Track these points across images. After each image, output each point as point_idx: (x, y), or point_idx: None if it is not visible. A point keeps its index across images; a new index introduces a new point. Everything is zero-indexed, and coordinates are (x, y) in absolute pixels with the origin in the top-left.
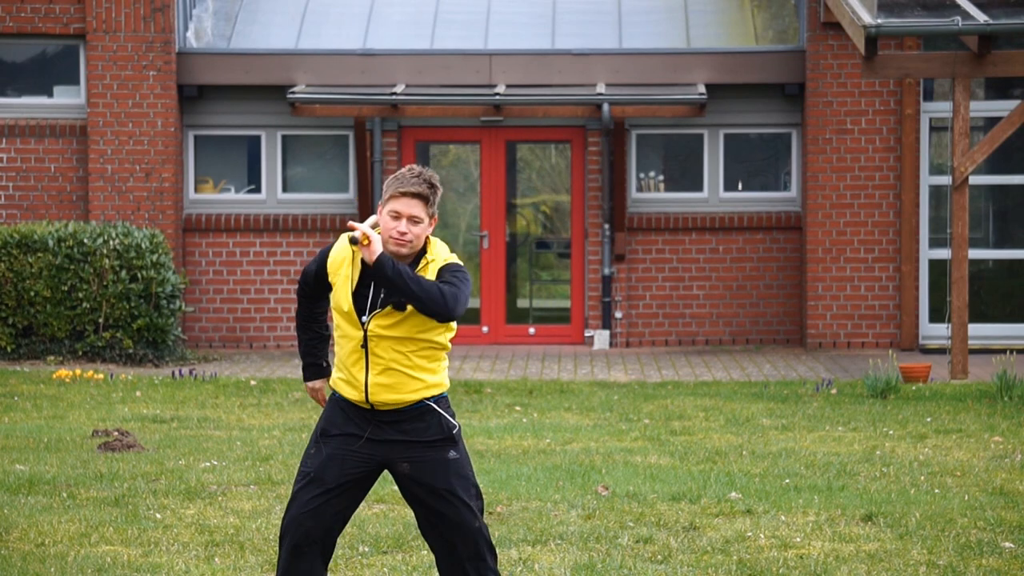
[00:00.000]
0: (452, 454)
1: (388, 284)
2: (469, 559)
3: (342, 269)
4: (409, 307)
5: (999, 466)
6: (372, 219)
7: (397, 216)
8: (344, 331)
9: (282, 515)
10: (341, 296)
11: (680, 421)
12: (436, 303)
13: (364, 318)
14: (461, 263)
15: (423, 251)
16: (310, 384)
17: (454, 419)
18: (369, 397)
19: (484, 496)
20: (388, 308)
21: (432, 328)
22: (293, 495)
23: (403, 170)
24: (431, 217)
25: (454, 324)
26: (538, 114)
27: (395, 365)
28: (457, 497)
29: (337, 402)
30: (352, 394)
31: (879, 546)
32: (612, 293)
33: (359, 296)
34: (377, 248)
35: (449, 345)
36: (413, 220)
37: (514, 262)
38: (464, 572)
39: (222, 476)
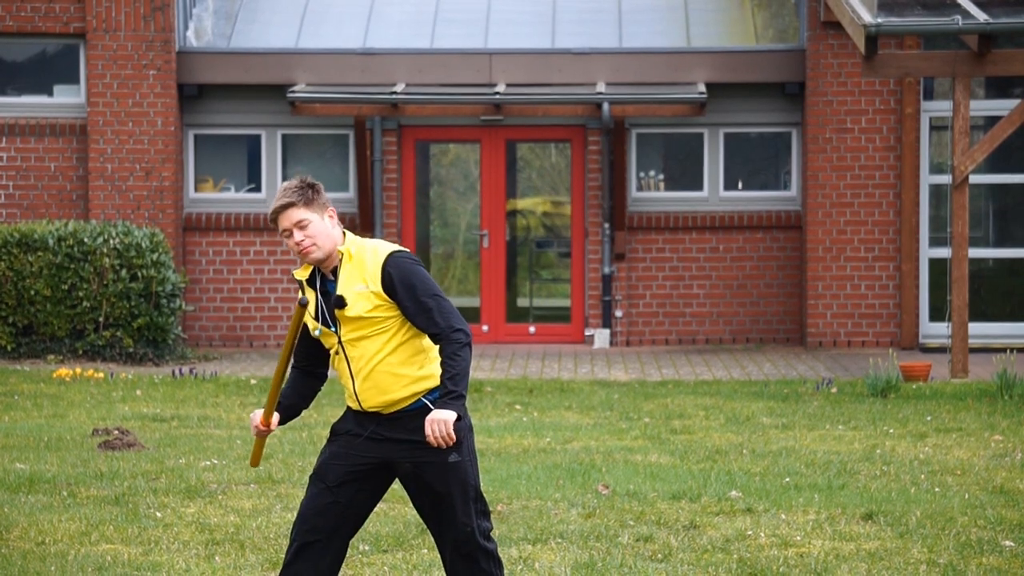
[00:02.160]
0: (453, 457)
1: (464, 390)
2: (463, 560)
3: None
4: (348, 304)
5: (999, 465)
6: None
7: (288, 233)
8: (329, 345)
9: (283, 515)
10: (310, 324)
11: (680, 420)
12: (460, 338)
13: (332, 328)
14: (397, 248)
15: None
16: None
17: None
18: (362, 404)
19: (483, 495)
20: (335, 312)
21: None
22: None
23: None
24: (323, 210)
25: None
26: (538, 113)
27: (372, 365)
28: (454, 501)
29: (349, 408)
30: (353, 404)
31: (879, 545)
32: (612, 292)
33: (320, 316)
34: (444, 417)
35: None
36: (300, 225)
37: (514, 261)
38: (457, 571)
39: (222, 475)
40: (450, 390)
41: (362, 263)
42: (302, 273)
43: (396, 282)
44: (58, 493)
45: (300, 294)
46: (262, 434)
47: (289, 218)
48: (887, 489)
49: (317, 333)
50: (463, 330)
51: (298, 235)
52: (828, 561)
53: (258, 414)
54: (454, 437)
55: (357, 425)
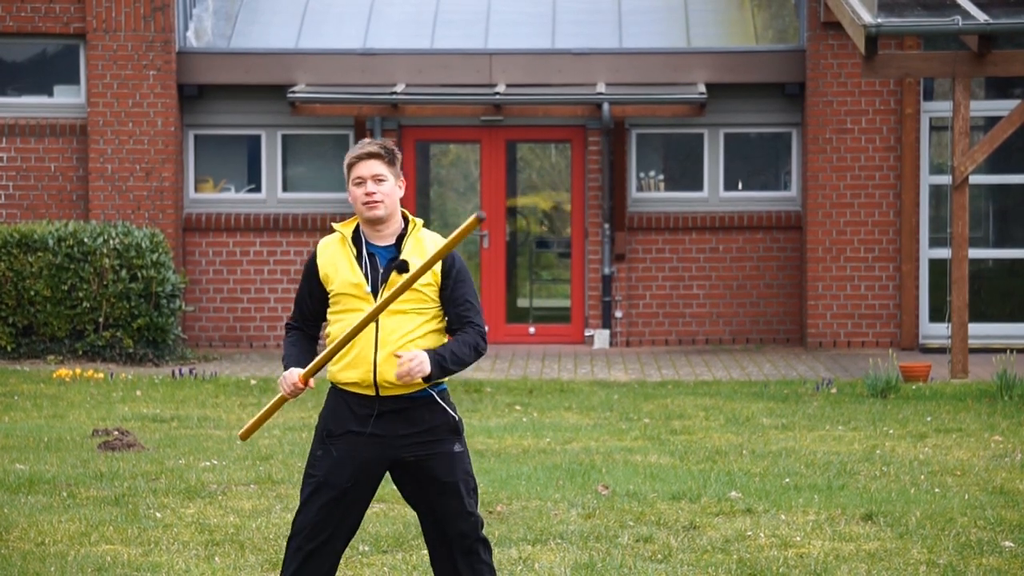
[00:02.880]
0: (457, 447)
1: (449, 372)
2: (462, 553)
3: (338, 256)
4: (410, 270)
5: (999, 465)
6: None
7: (361, 181)
8: (352, 308)
9: (283, 515)
10: (348, 273)
11: (680, 420)
12: (480, 343)
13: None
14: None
15: (405, 221)
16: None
17: (456, 412)
18: (377, 377)
19: (483, 495)
20: (392, 276)
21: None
22: (304, 500)
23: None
24: (398, 177)
25: None
26: (538, 114)
27: (402, 342)
28: (458, 491)
29: (338, 396)
30: (357, 376)
31: (879, 545)
32: (612, 292)
33: (368, 277)
34: (423, 359)
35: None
36: (377, 179)
37: (514, 261)
38: (455, 566)
39: (222, 475)
40: (442, 355)
41: (422, 242)
42: (346, 227)
43: (455, 270)
44: (58, 494)
45: (311, 262)
46: (295, 394)
47: (370, 167)
48: (887, 490)
49: (368, 290)
50: (485, 338)
51: (371, 186)
52: (828, 562)
53: (294, 372)
54: (416, 379)
55: (357, 423)
